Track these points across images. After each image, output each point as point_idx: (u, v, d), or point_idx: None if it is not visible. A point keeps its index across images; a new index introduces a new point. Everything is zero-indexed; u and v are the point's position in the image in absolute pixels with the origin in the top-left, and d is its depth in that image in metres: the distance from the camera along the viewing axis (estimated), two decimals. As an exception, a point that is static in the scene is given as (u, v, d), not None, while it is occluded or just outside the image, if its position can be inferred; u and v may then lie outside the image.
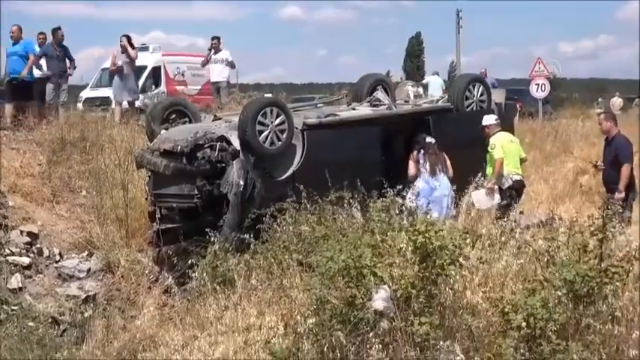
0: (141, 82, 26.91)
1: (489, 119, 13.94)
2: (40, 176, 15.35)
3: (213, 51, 23.99)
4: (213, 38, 24.18)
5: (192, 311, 10.30)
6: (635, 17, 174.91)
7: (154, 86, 29.34)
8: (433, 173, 13.35)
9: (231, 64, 24.14)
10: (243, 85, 50.67)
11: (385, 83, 15.79)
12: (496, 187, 13.33)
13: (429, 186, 13.29)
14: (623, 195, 13.30)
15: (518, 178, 13.86)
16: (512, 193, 13.66)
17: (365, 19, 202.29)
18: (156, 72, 30.11)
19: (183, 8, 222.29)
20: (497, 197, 13.28)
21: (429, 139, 13.50)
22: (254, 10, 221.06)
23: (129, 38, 22.14)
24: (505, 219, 10.59)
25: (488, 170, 13.60)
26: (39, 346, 9.74)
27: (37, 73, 20.47)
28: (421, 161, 13.48)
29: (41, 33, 21.18)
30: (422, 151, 13.53)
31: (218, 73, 24.03)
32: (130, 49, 21.81)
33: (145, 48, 29.61)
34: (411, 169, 13.48)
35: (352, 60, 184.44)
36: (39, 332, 10.24)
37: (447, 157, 13.52)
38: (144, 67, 28.23)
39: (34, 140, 17.07)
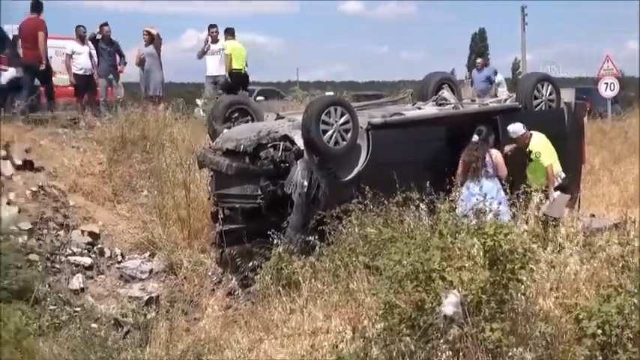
0: None
1: (518, 128, 13.22)
2: (100, 175, 15.39)
3: (210, 41, 21.93)
4: (210, 26, 22.05)
5: (256, 314, 10.20)
6: None
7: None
8: (473, 177, 12.68)
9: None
10: (303, 83, 50.61)
11: (451, 82, 15.56)
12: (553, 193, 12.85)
13: (469, 191, 12.43)
14: None
15: (564, 175, 13.35)
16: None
17: (426, 14, 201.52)
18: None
19: (241, 3, 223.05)
20: (563, 197, 12.86)
21: (475, 138, 12.80)
22: (314, 5, 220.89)
23: (149, 32, 21.50)
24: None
25: (535, 179, 12.87)
26: (102, 347, 9.66)
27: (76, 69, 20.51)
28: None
29: (80, 26, 21.00)
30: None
31: (216, 66, 21.77)
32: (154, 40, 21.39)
33: None
34: (459, 171, 12.79)
35: (414, 56, 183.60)
36: (102, 334, 10.17)
37: (496, 156, 12.78)
38: None
39: (95, 138, 17.10)
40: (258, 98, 27.72)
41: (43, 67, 18.87)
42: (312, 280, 10.14)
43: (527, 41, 63.46)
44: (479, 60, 29.04)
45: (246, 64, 21.68)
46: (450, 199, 10.34)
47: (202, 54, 22.11)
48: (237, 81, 21.03)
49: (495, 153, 12.69)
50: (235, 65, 21.16)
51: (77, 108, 19.37)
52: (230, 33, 21.72)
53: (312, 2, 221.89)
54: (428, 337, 7.54)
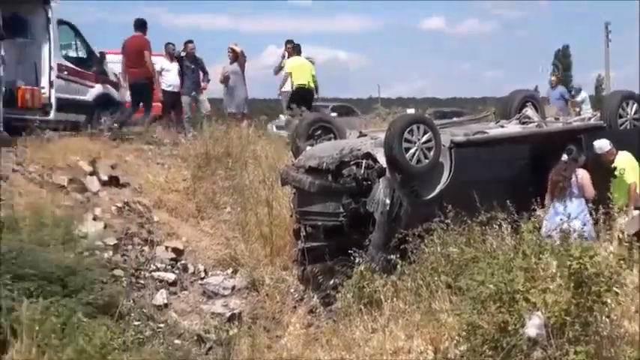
0: None
1: (604, 144, 13.00)
2: (184, 191, 15.54)
3: (286, 56, 21.81)
4: (287, 42, 21.95)
5: (338, 332, 10.16)
6: None
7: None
8: (560, 196, 12.42)
9: None
10: (384, 99, 50.44)
11: (534, 99, 15.43)
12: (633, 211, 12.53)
13: (553, 211, 12.20)
14: None
15: None
16: None
17: (508, 31, 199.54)
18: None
19: (324, 21, 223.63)
20: None
21: (564, 157, 12.56)
22: (395, 21, 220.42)
23: (233, 49, 21.60)
24: None
25: (619, 197, 12.15)
26: (185, 363, 9.77)
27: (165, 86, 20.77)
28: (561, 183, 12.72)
29: (169, 43, 21.36)
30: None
31: (290, 81, 21.29)
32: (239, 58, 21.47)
33: None
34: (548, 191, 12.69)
35: (496, 73, 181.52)
36: (184, 350, 10.26)
37: (583, 176, 12.46)
38: None
39: (179, 155, 17.29)
40: (331, 114, 27.75)
41: (155, 85, 19.51)
42: (394, 299, 10.10)
43: (611, 58, 62.63)
44: (552, 77, 28.70)
45: (314, 80, 21.41)
46: (534, 218, 10.20)
47: (279, 69, 22.11)
48: (299, 96, 20.61)
49: (582, 173, 12.43)
50: (299, 81, 20.97)
51: (163, 124, 19.56)
52: (296, 50, 21.61)
53: (393, 18, 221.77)
54: (511, 359, 7.46)
